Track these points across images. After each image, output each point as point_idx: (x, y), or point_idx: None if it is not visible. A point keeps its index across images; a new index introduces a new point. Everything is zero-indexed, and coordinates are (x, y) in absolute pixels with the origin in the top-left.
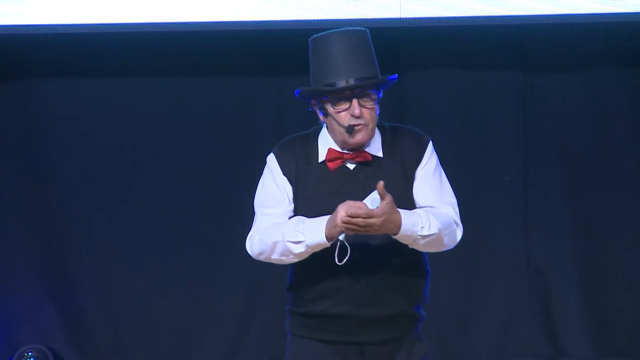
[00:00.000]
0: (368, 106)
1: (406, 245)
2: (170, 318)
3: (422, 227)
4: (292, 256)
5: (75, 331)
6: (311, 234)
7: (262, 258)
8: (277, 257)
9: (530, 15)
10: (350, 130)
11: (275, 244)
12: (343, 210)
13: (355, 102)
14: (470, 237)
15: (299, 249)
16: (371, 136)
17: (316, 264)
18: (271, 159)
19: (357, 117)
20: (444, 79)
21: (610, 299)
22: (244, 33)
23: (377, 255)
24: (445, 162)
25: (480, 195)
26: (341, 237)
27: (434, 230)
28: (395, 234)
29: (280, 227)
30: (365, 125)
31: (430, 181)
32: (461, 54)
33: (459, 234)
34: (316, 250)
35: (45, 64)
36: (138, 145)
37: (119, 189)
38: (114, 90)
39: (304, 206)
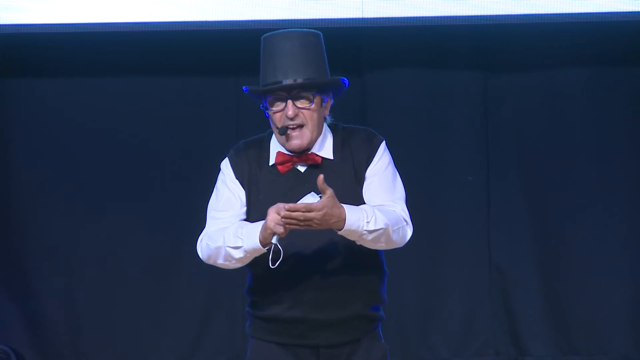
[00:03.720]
0: (305, 107)
1: (361, 248)
2: (130, 317)
3: (367, 222)
4: (234, 261)
5: (37, 331)
6: (248, 239)
7: (210, 262)
8: (222, 262)
9: (491, 15)
10: (284, 131)
11: (218, 248)
12: (273, 211)
13: (289, 102)
14: (432, 237)
15: (238, 254)
16: (310, 139)
17: (271, 268)
18: (225, 164)
19: (291, 119)
20: (405, 78)
21: (570, 298)
22: (203, 33)
23: (331, 258)
24: (407, 162)
25: (442, 195)
26: (274, 240)
27: (380, 225)
28: (340, 229)
29: (223, 231)
30: (300, 126)
31: (379, 180)
32: (423, 54)
33: (408, 232)
34: (255, 255)
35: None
36: (95, 144)
37: (77, 188)
38: (68, 90)
39: (256, 210)
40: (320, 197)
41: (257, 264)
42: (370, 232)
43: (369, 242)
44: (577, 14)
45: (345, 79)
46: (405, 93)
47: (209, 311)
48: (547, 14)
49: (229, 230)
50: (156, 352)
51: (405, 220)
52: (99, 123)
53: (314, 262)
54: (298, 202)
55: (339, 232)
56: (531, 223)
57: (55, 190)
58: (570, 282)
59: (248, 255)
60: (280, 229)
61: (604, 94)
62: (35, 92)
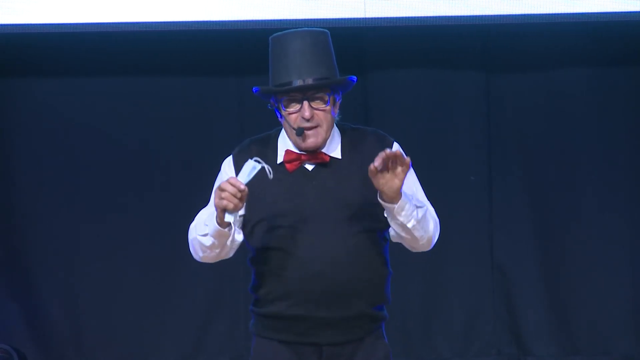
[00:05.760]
0: (320, 108)
1: (366, 247)
2: (133, 317)
3: (417, 207)
4: (208, 251)
5: (38, 331)
6: (210, 222)
7: (198, 259)
8: (202, 254)
9: (493, 15)
10: (300, 132)
11: (193, 240)
12: (217, 189)
13: (306, 104)
14: None
15: (207, 241)
16: (324, 139)
17: (276, 265)
18: (228, 163)
19: (308, 120)
20: (408, 79)
21: (572, 298)
22: (205, 33)
23: (335, 256)
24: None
25: (444, 195)
26: (227, 219)
27: (433, 214)
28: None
29: (195, 225)
30: (316, 127)
31: (405, 183)
32: (425, 54)
33: (437, 235)
34: (222, 239)
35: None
36: (95, 144)
37: (78, 188)
38: (68, 90)
39: (262, 208)
40: (263, 166)
41: (260, 261)
42: (418, 220)
43: (417, 221)
44: (578, 14)
45: (354, 77)
46: (407, 93)
47: (211, 310)
48: (548, 14)
49: (200, 220)
50: (158, 352)
51: (437, 225)
52: (99, 123)
53: (319, 260)
54: (240, 174)
55: (394, 205)
56: (533, 223)
57: (56, 190)
58: (572, 282)
59: (216, 241)
60: (224, 202)
61: (605, 93)
62: (35, 92)
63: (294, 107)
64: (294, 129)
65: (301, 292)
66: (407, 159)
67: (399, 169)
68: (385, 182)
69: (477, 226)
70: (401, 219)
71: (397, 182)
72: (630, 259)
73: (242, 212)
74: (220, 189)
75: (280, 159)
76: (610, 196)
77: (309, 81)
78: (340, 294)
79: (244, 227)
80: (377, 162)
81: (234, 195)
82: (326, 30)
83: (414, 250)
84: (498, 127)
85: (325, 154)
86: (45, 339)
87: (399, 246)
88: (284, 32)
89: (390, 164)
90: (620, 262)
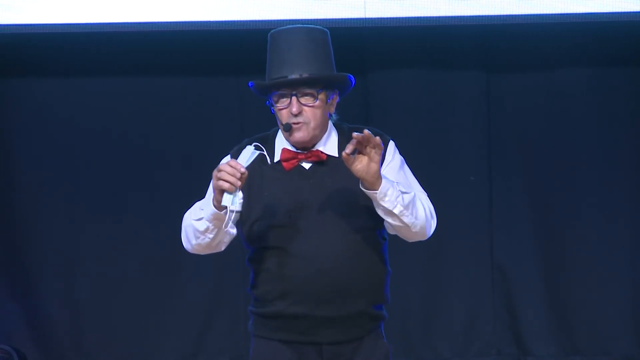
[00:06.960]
0: (309, 104)
1: (365, 244)
2: (133, 317)
3: (403, 192)
4: (201, 236)
5: (39, 331)
6: (207, 207)
7: (190, 248)
8: (195, 242)
9: (494, 15)
10: (287, 128)
11: (187, 227)
12: (215, 171)
13: (294, 99)
14: (434, 237)
15: (202, 225)
16: (313, 135)
17: (275, 264)
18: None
19: (295, 115)
20: (408, 78)
21: (572, 298)
22: (205, 33)
23: (335, 255)
24: (409, 162)
25: (444, 195)
26: (224, 202)
27: (425, 202)
28: (377, 186)
29: (190, 211)
30: (305, 123)
31: (397, 177)
32: (425, 54)
33: (433, 224)
34: (215, 222)
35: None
36: (95, 144)
37: (78, 188)
38: (68, 90)
39: (260, 207)
40: (262, 152)
41: (259, 260)
42: (405, 201)
43: (403, 206)
44: (578, 14)
45: (352, 75)
46: (408, 93)
47: (211, 311)
48: (549, 14)
49: (194, 207)
50: (158, 352)
51: (431, 212)
52: (99, 123)
53: (318, 259)
54: (240, 158)
55: (376, 192)
56: (533, 223)
57: (56, 191)
58: (572, 282)
59: (211, 225)
60: (220, 182)
61: (605, 94)
62: (35, 92)
63: (284, 103)
64: (282, 124)
65: (300, 290)
66: (377, 139)
67: (372, 151)
68: (362, 167)
69: (477, 226)
70: (385, 204)
71: (373, 165)
72: (630, 259)
73: (238, 207)
74: (218, 170)
75: (277, 158)
76: (610, 196)
77: (304, 76)
78: (339, 292)
79: (242, 226)
80: (349, 149)
81: (233, 175)
82: (325, 29)
83: (410, 240)
84: (498, 127)
85: (321, 152)
86: (45, 339)
87: (399, 246)
88: (281, 28)
89: (364, 148)
90: (620, 262)
